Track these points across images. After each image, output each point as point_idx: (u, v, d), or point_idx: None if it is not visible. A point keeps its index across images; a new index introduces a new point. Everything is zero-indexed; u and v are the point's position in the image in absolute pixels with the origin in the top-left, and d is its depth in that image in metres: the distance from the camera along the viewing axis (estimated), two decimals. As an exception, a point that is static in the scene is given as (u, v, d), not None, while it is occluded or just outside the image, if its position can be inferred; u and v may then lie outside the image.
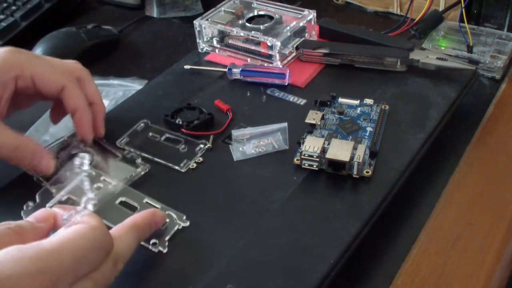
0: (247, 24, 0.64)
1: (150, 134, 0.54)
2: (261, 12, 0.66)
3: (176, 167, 0.50)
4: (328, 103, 0.56)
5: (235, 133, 0.51)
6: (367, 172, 0.48)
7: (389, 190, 0.47)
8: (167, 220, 0.44)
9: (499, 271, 0.46)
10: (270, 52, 0.61)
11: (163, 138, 0.54)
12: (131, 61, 0.75)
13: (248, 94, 0.59)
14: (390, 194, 0.47)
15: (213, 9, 0.66)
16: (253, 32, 0.62)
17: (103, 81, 0.69)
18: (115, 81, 0.70)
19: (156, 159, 0.51)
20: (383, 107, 0.55)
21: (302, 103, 0.57)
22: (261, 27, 0.63)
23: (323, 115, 0.53)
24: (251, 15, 0.66)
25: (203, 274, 0.40)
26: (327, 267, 0.40)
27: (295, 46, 0.63)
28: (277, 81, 0.59)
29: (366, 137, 0.51)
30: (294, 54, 0.63)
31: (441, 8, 0.72)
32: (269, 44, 0.61)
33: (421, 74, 0.59)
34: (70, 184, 0.45)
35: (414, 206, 0.50)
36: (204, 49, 0.66)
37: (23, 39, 0.76)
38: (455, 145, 0.56)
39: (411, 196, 0.51)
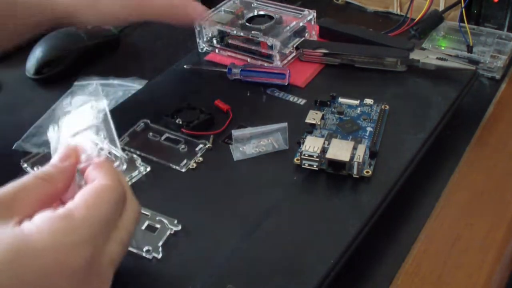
0: (247, 24, 0.64)
1: (150, 134, 0.54)
2: (261, 12, 0.66)
3: (176, 167, 0.50)
4: (328, 103, 0.56)
5: (235, 133, 0.51)
6: (367, 172, 0.48)
7: (389, 190, 0.47)
8: (158, 226, 0.44)
9: (499, 271, 0.46)
10: (270, 52, 0.61)
11: (163, 138, 0.54)
12: (131, 61, 0.75)
13: (248, 94, 0.59)
14: (390, 194, 0.47)
15: (213, 9, 0.66)
16: (253, 32, 0.62)
17: (103, 81, 0.69)
18: (115, 81, 0.70)
19: (156, 159, 0.51)
20: (383, 107, 0.55)
21: (302, 103, 0.57)
22: (261, 27, 0.62)
23: (323, 115, 0.53)
24: (251, 15, 0.66)
25: (203, 274, 0.40)
26: (327, 267, 0.40)
27: (295, 46, 0.63)
28: (277, 81, 0.59)
29: (366, 137, 0.51)
30: (294, 54, 0.63)
31: (441, 8, 0.72)
32: (269, 44, 0.60)
33: (421, 74, 0.59)
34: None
35: (414, 206, 0.50)
36: (204, 49, 0.66)
37: (23, 39, 0.76)
38: (455, 145, 0.56)
39: (411, 196, 0.51)
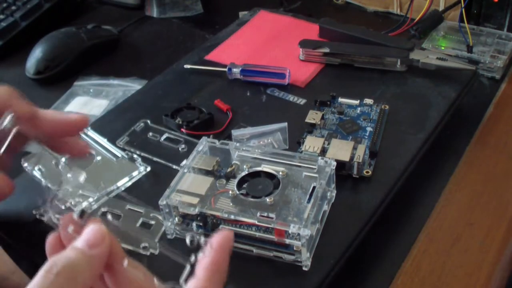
0: (239, 195, 0.43)
1: (150, 134, 0.54)
2: (254, 169, 0.45)
3: (176, 167, 0.50)
4: (328, 103, 0.56)
5: (235, 133, 0.51)
6: (367, 172, 0.48)
7: (389, 190, 0.47)
8: (153, 222, 0.44)
9: (499, 271, 0.46)
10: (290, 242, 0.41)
11: (163, 138, 0.54)
12: (131, 61, 0.75)
13: (248, 94, 0.59)
14: (390, 194, 0.47)
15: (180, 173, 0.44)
16: (259, 214, 0.41)
17: (103, 81, 0.69)
18: (115, 81, 0.70)
19: (156, 159, 0.51)
20: (383, 107, 0.55)
21: (302, 103, 0.57)
22: (267, 200, 0.42)
23: (323, 115, 0.53)
24: (242, 174, 0.44)
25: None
26: (327, 267, 0.40)
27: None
28: (277, 81, 0.59)
29: (366, 137, 0.51)
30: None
31: (441, 8, 0.72)
32: (290, 231, 0.40)
33: (421, 74, 0.59)
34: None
35: (414, 206, 0.50)
36: (174, 235, 0.44)
37: (23, 39, 0.77)
38: (455, 145, 0.56)
39: (411, 196, 0.51)
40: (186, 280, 0.32)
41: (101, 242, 0.31)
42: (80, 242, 0.31)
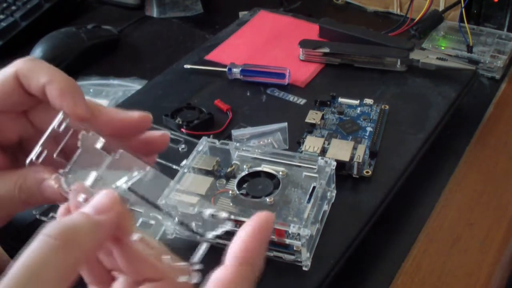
0: (239, 195, 0.43)
1: (150, 134, 0.54)
2: (254, 169, 0.45)
3: (176, 167, 0.50)
4: (328, 103, 0.56)
5: (235, 133, 0.51)
6: (367, 172, 0.48)
7: (389, 190, 0.47)
8: (153, 222, 0.44)
9: (499, 271, 0.46)
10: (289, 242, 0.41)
11: (163, 138, 0.53)
12: (131, 61, 0.75)
13: (248, 94, 0.59)
14: (390, 194, 0.47)
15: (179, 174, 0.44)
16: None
17: (103, 81, 0.69)
18: (115, 81, 0.70)
19: (156, 159, 0.51)
20: (383, 107, 0.55)
21: (302, 103, 0.57)
22: (267, 200, 0.42)
23: (323, 115, 0.53)
24: (242, 174, 0.45)
25: (203, 275, 0.40)
26: (327, 267, 0.40)
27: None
28: (277, 81, 0.59)
29: (366, 137, 0.51)
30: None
31: (441, 8, 0.72)
32: (290, 231, 0.40)
33: (421, 74, 0.59)
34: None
35: (414, 206, 0.50)
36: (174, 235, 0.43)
37: (23, 39, 0.76)
38: (455, 145, 0.56)
39: (411, 196, 0.51)
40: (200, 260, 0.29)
41: (109, 209, 0.27)
42: (87, 207, 0.28)
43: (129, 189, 0.31)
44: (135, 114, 0.38)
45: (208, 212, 0.31)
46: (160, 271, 0.28)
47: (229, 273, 0.27)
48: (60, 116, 0.33)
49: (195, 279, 0.28)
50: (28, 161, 0.32)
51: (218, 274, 0.27)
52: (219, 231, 0.30)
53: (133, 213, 0.30)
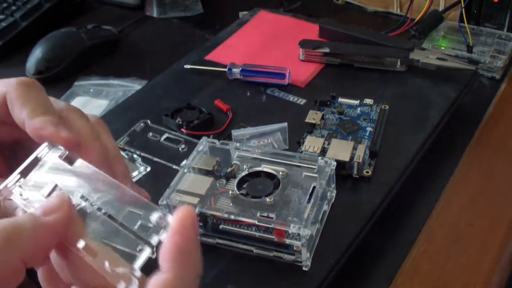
0: (239, 195, 0.43)
1: (150, 134, 0.54)
2: (254, 169, 0.45)
3: (176, 167, 0.50)
4: (328, 103, 0.56)
5: (235, 133, 0.51)
6: (367, 172, 0.48)
7: (389, 190, 0.47)
8: (151, 225, 0.43)
9: (499, 271, 0.46)
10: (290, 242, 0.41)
11: (163, 138, 0.54)
12: (131, 61, 0.75)
13: (248, 94, 0.59)
14: (390, 194, 0.47)
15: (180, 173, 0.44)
16: (259, 214, 0.41)
17: (103, 81, 0.69)
18: (115, 81, 0.70)
19: (156, 159, 0.51)
20: (383, 107, 0.55)
21: (302, 103, 0.57)
22: (267, 200, 0.42)
23: (323, 115, 0.53)
24: (242, 174, 0.44)
25: (202, 274, 0.40)
26: (327, 267, 0.40)
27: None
28: (277, 81, 0.59)
29: (366, 137, 0.51)
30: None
31: (441, 8, 0.72)
32: (290, 231, 0.40)
33: (421, 74, 0.59)
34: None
35: (414, 206, 0.50)
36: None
37: (23, 39, 0.76)
38: (455, 145, 0.56)
39: (411, 196, 0.51)
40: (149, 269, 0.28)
41: (56, 210, 0.27)
42: (37, 208, 0.28)
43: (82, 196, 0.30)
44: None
45: (155, 216, 0.31)
46: (104, 279, 0.28)
47: (166, 278, 0.26)
48: (43, 146, 0.32)
49: (134, 285, 0.27)
50: (2, 187, 0.31)
51: (154, 281, 0.26)
52: (162, 236, 0.29)
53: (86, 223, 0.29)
